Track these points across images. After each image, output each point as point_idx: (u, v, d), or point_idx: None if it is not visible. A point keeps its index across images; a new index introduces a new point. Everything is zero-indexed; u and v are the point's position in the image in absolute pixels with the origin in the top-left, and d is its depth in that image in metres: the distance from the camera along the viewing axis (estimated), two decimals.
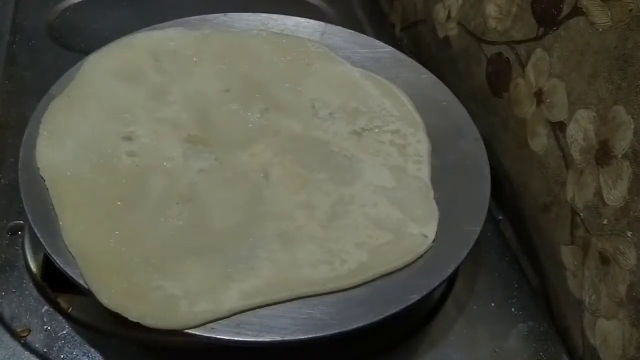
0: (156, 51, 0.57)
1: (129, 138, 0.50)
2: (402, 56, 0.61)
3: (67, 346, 0.44)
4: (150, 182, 0.48)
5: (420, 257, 0.46)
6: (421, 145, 0.54)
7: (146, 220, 0.45)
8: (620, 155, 0.43)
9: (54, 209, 0.45)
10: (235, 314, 0.41)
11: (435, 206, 0.49)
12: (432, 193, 0.50)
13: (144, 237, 0.44)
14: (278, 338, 0.40)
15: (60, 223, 0.44)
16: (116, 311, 0.40)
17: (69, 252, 0.42)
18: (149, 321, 0.40)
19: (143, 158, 0.49)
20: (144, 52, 0.57)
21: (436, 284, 0.44)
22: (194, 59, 0.58)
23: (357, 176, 0.50)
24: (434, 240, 0.47)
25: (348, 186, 0.50)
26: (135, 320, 0.40)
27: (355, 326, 0.41)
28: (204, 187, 0.48)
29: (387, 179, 0.51)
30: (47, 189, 0.46)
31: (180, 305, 0.41)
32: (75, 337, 0.45)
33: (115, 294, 0.41)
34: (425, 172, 0.51)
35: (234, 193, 0.48)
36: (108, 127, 0.51)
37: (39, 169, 0.47)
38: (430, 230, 0.47)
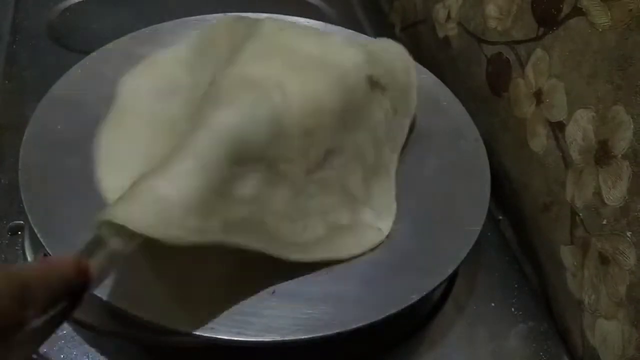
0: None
1: None
2: None
3: (67, 346, 0.44)
4: None
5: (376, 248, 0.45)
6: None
7: None
8: (619, 155, 0.43)
9: (54, 208, 0.45)
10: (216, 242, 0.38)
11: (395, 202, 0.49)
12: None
13: None
14: (278, 338, 0.40)
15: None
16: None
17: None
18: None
19: None
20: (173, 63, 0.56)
21: (436, 284, 0.44)
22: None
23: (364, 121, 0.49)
24: (387, 236, 0.46)
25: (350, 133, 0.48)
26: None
27: (355, 326, 0.41)
28: None
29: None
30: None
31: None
32: (75, 337, 0.44)
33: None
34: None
35: None
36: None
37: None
38: (385, 226, 0.47)
